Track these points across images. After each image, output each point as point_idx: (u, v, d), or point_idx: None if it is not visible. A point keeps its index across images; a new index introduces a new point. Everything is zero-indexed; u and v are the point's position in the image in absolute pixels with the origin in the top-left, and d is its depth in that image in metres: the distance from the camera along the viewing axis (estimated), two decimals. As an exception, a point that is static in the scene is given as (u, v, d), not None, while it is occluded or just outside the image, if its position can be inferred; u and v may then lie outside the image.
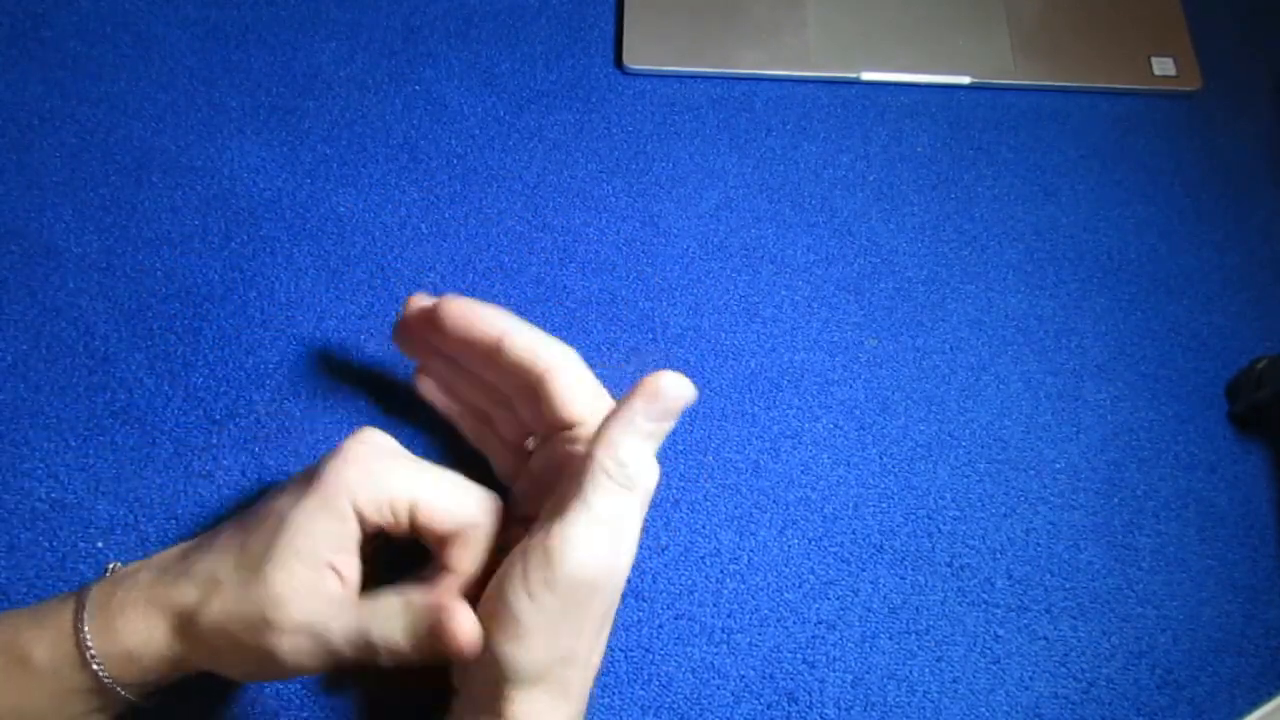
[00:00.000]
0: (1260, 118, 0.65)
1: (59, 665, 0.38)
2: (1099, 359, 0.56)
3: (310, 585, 0.37)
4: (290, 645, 0.37)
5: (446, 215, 0.57)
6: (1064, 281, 0.58)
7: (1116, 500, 0.52)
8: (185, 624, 0.38)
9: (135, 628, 0.38)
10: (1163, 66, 0.65)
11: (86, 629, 0.38)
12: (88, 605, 0.38)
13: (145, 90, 0.59)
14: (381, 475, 0.39)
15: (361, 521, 0.39)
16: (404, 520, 0.40)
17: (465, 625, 0.37)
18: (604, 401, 0.43)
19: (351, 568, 0.39)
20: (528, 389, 0.43)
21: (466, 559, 0.40)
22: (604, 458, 0.38)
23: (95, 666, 0.37)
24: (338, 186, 0.58)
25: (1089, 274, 0.58)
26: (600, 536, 0.37)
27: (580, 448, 0.40)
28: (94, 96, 0.59)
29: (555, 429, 0.43)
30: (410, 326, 0.46)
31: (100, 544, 0.47)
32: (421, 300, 0.46)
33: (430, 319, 0.44)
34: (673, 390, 0.38)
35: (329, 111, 0.60)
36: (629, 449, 0.38)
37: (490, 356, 0.44)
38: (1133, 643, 0.49)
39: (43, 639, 0.38)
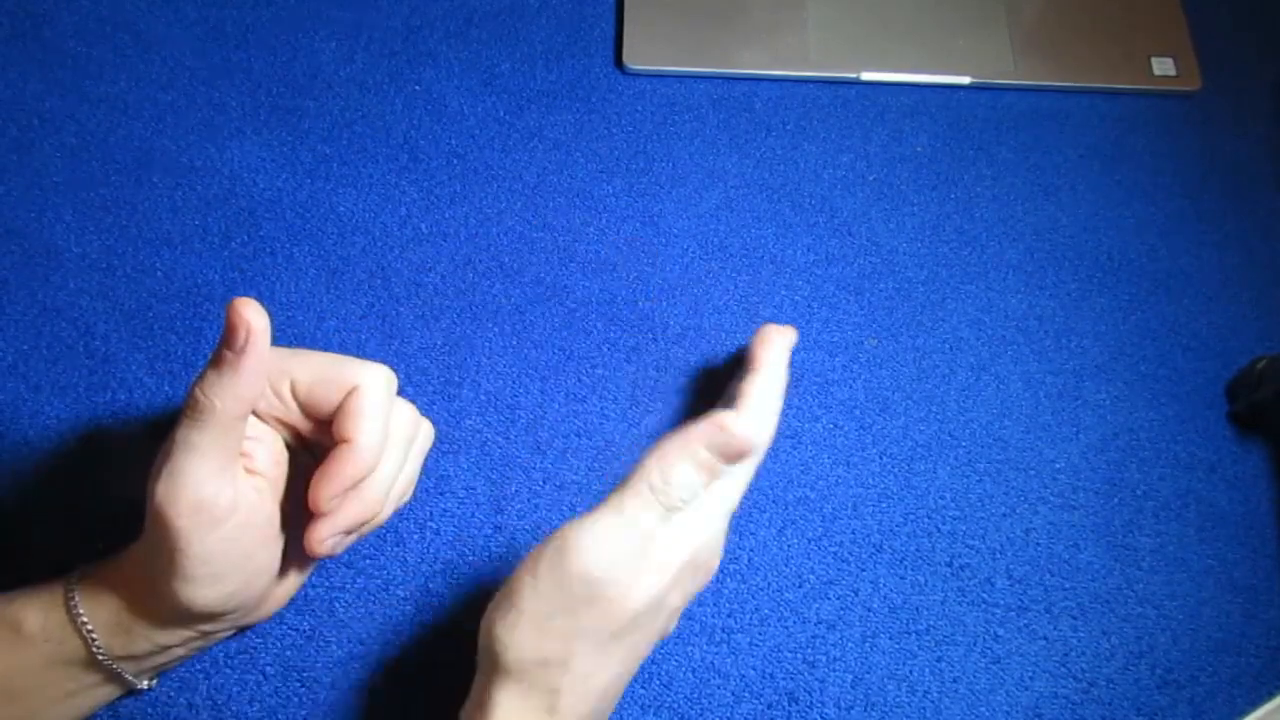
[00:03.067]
0: (1260, 118, 0.65)
1: (51, 633, 0.38)
2: (1099, 359, 0.56)
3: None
4: (161, 488, 0.36)
5: (446, 215, 0.57)
6: (1064, 281, 0.58)
7: (1116, 500, 0.52)
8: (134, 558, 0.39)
9: (121, 588, 0.39)
10: (1163, 66, 0.65)
11: (77, 597, 0.38)
12: (80, 577, 0.39)
13: (145, 90, 0.59)
14: None
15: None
16: (289, 400, 0.39)
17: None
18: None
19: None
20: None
21: (353, 426, 0.38)
22: (652, 469, 0.38)
23: (86, 633, 0.38)
24: (338, 186, 0.58)
25: (1089, 274, 0.58)
26: (619, 539, 0.37)
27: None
28: (94, 96, 0.59)
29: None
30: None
31: (100, 544, 0.47)
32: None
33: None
34: (738, 429, 0.38)
35: (329, 111, 0.60)
36: (679, 470, 0.38)
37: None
38: (1133, 643, 0.49)
39: (35, 608, 0.39)
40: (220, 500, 0.37)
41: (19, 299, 0.53)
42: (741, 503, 0.50)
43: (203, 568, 0.37)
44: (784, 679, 0.47)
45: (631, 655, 0.38)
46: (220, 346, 0.36)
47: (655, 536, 0.38)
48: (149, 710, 0.44)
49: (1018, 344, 0.56)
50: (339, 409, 0.39)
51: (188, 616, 0.39)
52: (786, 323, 0.55)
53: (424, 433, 0.43)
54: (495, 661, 0.37)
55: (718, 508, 0.40)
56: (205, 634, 0.41)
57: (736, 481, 0.40)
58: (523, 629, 0.36)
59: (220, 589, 0.38)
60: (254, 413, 0.40)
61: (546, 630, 0.36)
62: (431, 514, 0.49)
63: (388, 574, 0.48)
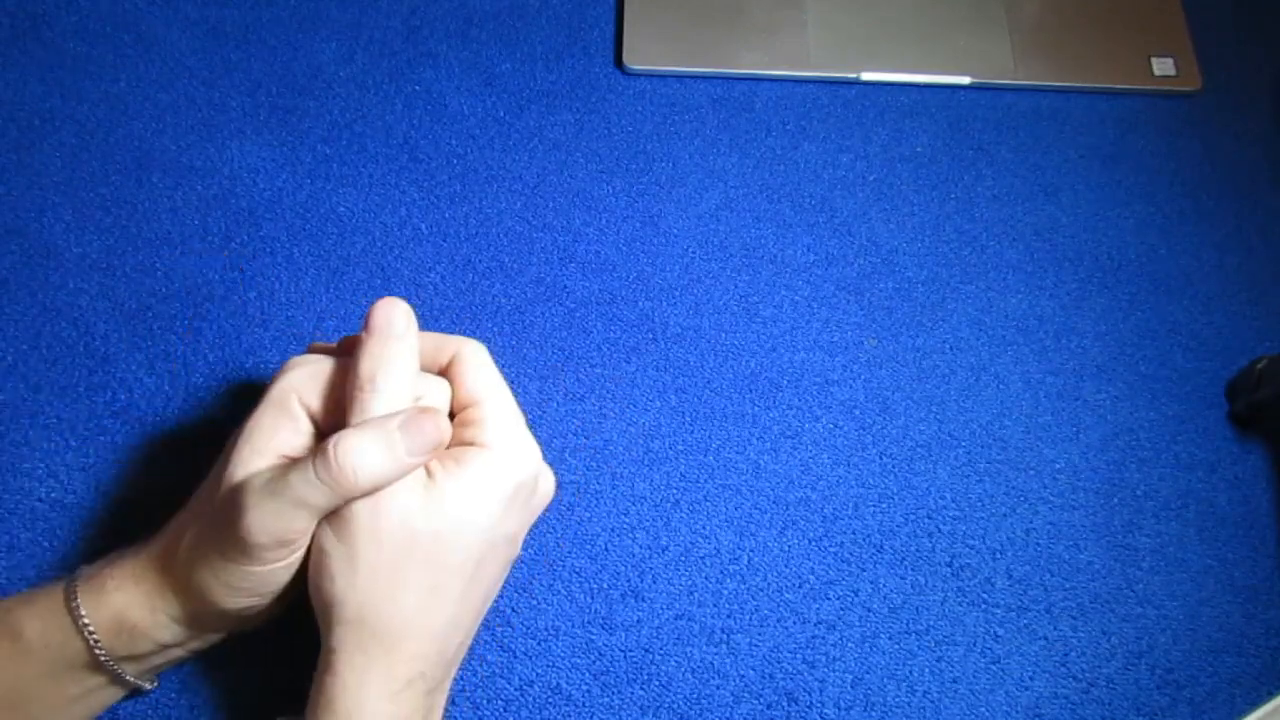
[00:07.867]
0: (1260, 118, 0.65)
1: (51, 638, 0.38)
2: (1099, 359, 0.56)
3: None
4: (257, 524, 0.36)
5: (446, 215, 0.57)
6: (1064, 281, 0.58)
7: (1116, 500, 0.52)
8: (166, 560, 0.39)
9: (125, 588, 0.38)
10: (1163, 66, 0.65)
11: (79, 599, 0.38)
12: (79, 580, 0.39)
13: (145, 90, 0.59)
14: (321, 369, 0.40)
15: (314, 420, 0.39)
16: None
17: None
18: (502, 389, 0.42)
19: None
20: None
21: (468, 375, 0.41)
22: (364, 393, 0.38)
23: (88, 635, 0.38)
24: (338, 186, 0.58)
25: (1089, 274, 0.58)
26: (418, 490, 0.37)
27: (471, 430, 0.40)
28: (94, 96, 0.59)
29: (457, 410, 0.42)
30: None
31: (100, 544, 0.47)
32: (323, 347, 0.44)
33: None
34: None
35: (329, 111, 0.60)
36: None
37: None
38: (1133, 643, 0.49)
39: (34, 614, 0.38)
40: (303, 539, 0.37)
41: (19, 299, 0.53)
42: (740, 502, 0.51)
43: (251, 583, 0.37)
44: (784, 679, 0.47)
45: (450, 588, 0.38)
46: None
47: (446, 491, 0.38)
48: (150, 712, 0.44)
49: (1018, 344, 0.56)
50: (448, 370, 0.41)
51: (204, 618, 0.39)
52: (786, 323, 0.56)
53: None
54: (325, 617, 0.37)
55: (503, 433, 0.40)
56: (206, 636, 0.41)
57: (494, 401, 0.40)
58: (337, 577, 0.37)
59: (251, 601, 0.38)
60: (313, 419, 0.40)
61: (353, 572, 0.37)
62: (431, 514, 0.49)
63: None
